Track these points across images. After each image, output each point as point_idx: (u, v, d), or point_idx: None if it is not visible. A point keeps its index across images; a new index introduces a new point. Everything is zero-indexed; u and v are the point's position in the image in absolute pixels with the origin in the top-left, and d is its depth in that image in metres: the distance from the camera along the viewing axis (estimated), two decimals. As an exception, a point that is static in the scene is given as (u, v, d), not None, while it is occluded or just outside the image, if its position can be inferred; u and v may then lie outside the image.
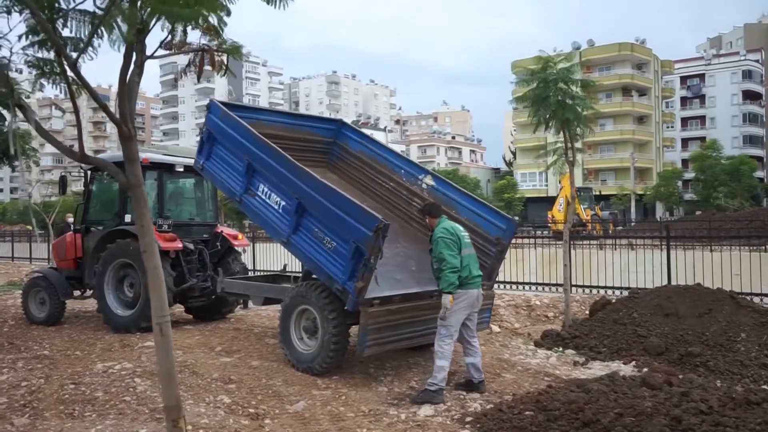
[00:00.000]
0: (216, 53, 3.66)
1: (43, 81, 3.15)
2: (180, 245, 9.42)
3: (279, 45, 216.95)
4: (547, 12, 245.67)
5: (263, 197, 7.42)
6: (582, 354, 7.85)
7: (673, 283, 11.52)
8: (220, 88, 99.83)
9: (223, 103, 8.36)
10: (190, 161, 10.17)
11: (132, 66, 3.04)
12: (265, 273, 12.60)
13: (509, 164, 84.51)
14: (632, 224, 38.66)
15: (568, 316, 9.04)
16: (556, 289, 13.00)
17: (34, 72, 3.03)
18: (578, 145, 9.22)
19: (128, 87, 3.09)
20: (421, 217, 6.88)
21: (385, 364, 7.31)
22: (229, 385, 6.28)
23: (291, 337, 6.98)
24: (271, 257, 15.37)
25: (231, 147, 7.87)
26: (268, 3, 3.49)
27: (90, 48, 2.96)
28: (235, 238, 10.45)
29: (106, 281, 9.54)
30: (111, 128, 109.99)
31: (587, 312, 10.60)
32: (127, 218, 9.75)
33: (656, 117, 72.36)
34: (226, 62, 3.71)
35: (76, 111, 3.23)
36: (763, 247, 14.89)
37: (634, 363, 7.33)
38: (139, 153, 10.05)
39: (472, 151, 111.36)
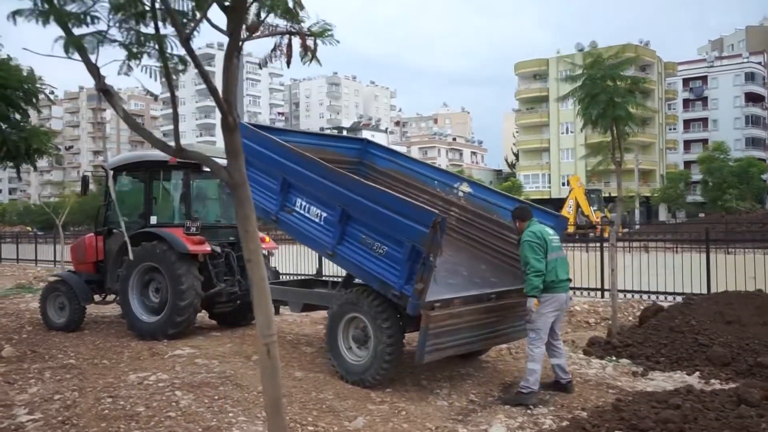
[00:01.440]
0: (307, 36, 3.25)
1: (133, 63, 2.72)
2: (209, 248, 9.01)
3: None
4: (548, 14, 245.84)
5: (302, 211, 7.09)
6: (638, 364, 7.46)
7: (713, 287, 11.19)
8: (221, 89, 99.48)
9: (250, 124, 8.09)
10: (218, 161, 9.78)
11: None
12: (299, 277, 12.21)
13: (512, 166, 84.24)
14: (636, 227, 38.36)
15: (615, 322, 8.65)
16: (589, 293, 12.65)
17: (125, 52, 2.61)
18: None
19: (231, 73, 2.68)
20: (512, 220, 6.64)
21: (437, 374, 6.92)
22: (279, 399, 5.86)
23: (339, 347, 6.58)
24: (289, 259, 14.98)
25: (262, 166, 7.58)
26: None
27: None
28: (263, 240, 10.04)
29: (131, 286, 9.13)
30: (110, 129, 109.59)
31: (630, 318, 10.24)
32: (153, 220, 9.35)
33: (660, 119, 72.13)
34: (313, 47, 3.31)
35: (173, 98, 2.83)
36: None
37: (698, 374, 6.93)
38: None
39: (473, 153, 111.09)
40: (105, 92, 2.70)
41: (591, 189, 40.25)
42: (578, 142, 71.84)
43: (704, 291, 11.14)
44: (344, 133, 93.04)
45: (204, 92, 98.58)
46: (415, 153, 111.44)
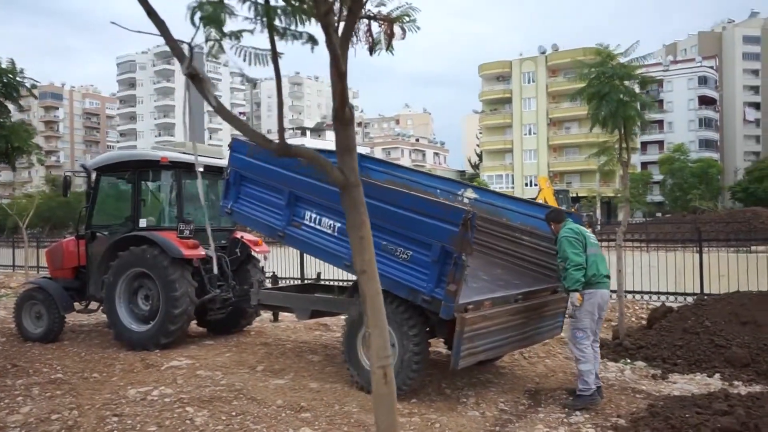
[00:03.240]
0: (393, 22, 2.90)
1: (226, 43, 2.33)
2: (203, 253, 8.54)
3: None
4: (515, 16, 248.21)
5: (312, 224, 6.78)
6: (655, 366, 7.34)
7: (706, 287, 11.25)
8: (181, 88, 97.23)
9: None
10: (210, 161, 9.31)
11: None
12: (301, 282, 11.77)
13: (475, 167, 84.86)
14: (597, 228, 38.99)
15: (623, 324, 8.52)
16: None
17: (213, 32, 2.21)
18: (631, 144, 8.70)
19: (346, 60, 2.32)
20: (547, 224, 6.48)
21: (456, 383, 6.64)
22: (303, 414, 5.49)
23: (359, 357, 6.24)
24: (279, 262, 14.50)
25: (266, 181, 7.25)
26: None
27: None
28: (256, 244, 9.60)
29: (118, 293, 8.58)
30: (63, 128, 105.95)
31: (633, 319, 10.18)
32: (142, 223, 8.81)
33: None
34: (389, 32, 2.97)
35: (279, 87, 2.44)
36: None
37: (719, 376, 6.85)
38: (156, 152, 9.12)
39: (436, 154, 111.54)
40: (193, 77, 2.31)
41: (559, 189, 40.69)
42: (541, 143, 72.97)
43: (697, 291, 11.20)
44: (307, 134, 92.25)
45: (163, 91, 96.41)
46: (378, 154, 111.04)
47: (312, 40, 2.40)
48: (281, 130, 2.52)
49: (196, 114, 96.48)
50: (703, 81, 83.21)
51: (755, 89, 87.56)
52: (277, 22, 2.24)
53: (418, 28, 3.03)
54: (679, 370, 7.16)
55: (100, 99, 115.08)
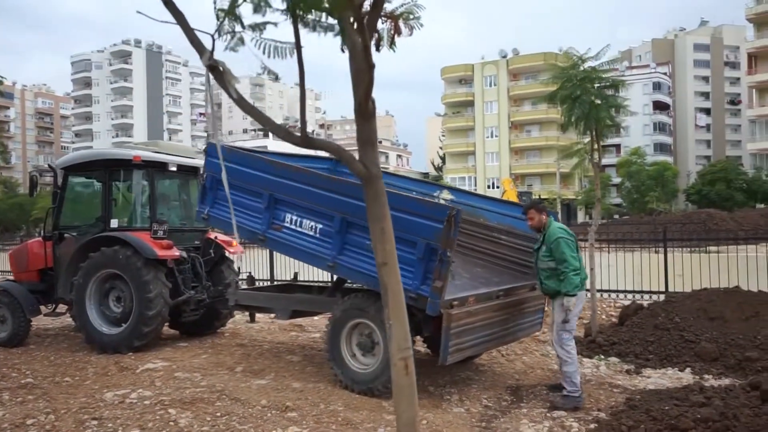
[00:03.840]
0: (399, 19, 2.90)
1: (245, 35, 2.30)
2: (177, 254, 8.40)
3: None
4: (475, 23, 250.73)
5: (292, 227, 6.70)
6: (628, 362, 7.54)
7: (671, 286, 11.60)
8: (139, 88, 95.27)
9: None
10: (183, 160, 9.17)
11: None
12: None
13: (438, 169, 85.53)
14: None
15: (595, 321, 8.73)
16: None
17: (236, 25, 2.17)
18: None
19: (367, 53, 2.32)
20: (525, 215, 6.35)
21: (438, 380, 6.69)
22: (289, 414, 5.45)
23: (342, 355, 6.23)
24: (249, 263, 14.30)
25: (245, 185, 7.14)
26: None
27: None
28: (230, 245, 9.46)
29: (88, 295, 8.35)
30: (14, 128, 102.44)
31: (603, 316, 10.42)
32: (113, 223, 8.60)
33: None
34: (396, 29, 2.98)
35: (302, 80, 2.42)
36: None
37: (689, 370, 7.08)
38: (128, 150, 8.94)
39: (399, 156, 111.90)
40: (213, 69, 2.28)
41: (522, 191, 41.39)
42: (503, 146, 74.04)
43: (662, 289, 11.54)
44: (270, 135, 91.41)
45: (120, 90, 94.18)
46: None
47: (343, 32, 2.40)
48: (303, 122, 2.53)
49: (155, 114, 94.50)
50: (657, 86, 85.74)
51: (706, 95, 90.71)
52: (308, 16, 2.24)
53: (422, 25, 3.07)
54: (652, 365, 7.37)
55: (54, 98, 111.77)
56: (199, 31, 2.23)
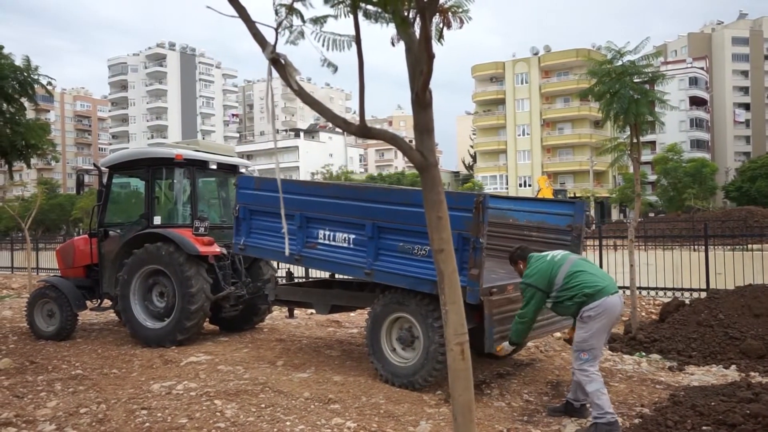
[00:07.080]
0: (449, 11, 2.94)
1: (306, 27, 2.37)
2: (218, 250, 8.57)
3: (232, 48, 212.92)
4: (500, 21, 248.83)
5: (326, 242, 6.78)
6: (671, 359, 7.44)
7: (712, 283, 11.38)
8: (173, 90, 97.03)
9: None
10: (223, 158, 9.35)
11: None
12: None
13: (469, 167, 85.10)
14: (593, 227, 39.21)
15: (635, 318, 8.64)
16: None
17: (291, 17, 2.24)
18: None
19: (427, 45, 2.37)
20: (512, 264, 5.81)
21: (478, 375, 6.67)
22: (332, 406, 5.54)
23: (383, 349, 6.29)
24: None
25: (277, 210, 7.21)
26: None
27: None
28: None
29: (132, 291, 8.59)
30: (55, 131, 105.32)
31: (643, 314, 10.29)
32: (156, 220, 8.82)
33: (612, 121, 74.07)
34: (446, 22, 3.01)
35: (361, 71, 2.48)
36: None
37: (735, 367, 6.95)
38: (170, 149, 9.15)
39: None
40: (275, 62, 2.36)
41: (556, 189, 40.95)
42: (535, 144, 73.30)
43: (703, 286, 11.33)
44: (301, 135, 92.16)
45: (155, 92, 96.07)
46: (371, 155, 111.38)
47: (404, 23, 2.44)
48: (362, 112, 2.58)
49: (189, 116, 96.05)
50: (693, 82, 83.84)
51: (745, 90, 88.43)
52: (370, 8, 2.29)
53: (470, 18, 3.09)
54: (695, 362, 7.26)
55: (92, 101, 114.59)
56: (262, 24, 2.31)
